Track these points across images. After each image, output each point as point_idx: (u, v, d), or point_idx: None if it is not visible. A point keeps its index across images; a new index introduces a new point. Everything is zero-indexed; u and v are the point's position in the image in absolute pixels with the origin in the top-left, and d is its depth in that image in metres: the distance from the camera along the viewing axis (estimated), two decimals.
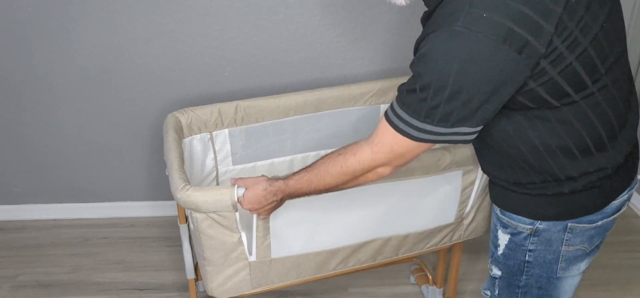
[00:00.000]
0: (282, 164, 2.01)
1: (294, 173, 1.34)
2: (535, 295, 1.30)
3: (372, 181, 1.24)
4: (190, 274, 1.80)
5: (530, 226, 1.22)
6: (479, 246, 2.31)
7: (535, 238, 1.23)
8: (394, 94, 2.00)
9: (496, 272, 1.34)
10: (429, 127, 1.06)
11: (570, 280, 1.29)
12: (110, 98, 2.28)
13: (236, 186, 1.40)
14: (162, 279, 2.23)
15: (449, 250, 1.87)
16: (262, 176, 1.40)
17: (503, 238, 1.28)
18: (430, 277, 2.06)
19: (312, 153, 2.02)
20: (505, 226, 1.27)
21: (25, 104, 2.30)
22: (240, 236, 1.49)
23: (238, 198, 1.40)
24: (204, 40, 2.15)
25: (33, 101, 2.29)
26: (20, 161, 2.45)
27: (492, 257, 1.35)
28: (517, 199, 1.22)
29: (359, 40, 2.17)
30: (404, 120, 1.09)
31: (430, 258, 2.23)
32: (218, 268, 1.53)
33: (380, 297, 2.12)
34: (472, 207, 1.71)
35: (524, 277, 1.28)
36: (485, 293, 1.45)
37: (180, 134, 1.76)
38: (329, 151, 2.00)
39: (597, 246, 1.27)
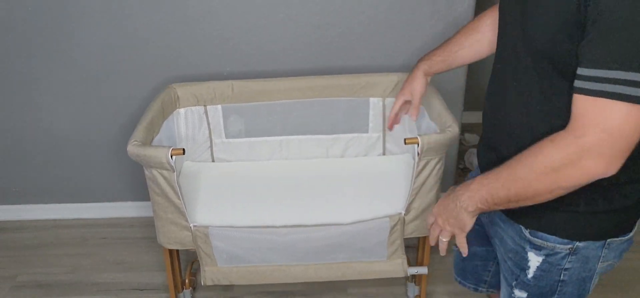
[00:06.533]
0: (273, 142, 2.11)
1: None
2: None
3: (578, 181, 0.95)
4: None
5: (569, 246, 1.13)
6: None
7: (573, 257, 1.14)
8: (383, 88, 2.01)
9: (520, 294, 1.25)
10: None
11: (592, 285, 1.25)
12: (109, 98, 2.28)
13: (170, 148, 1.52)
14: (161, 279, 2.22)
15: None
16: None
17: (535, 261, 1.18)
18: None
19: (303, 137, 2.12)
20: (538, 249, 1.16)
21: (25, 104, 2.30)
22: (181, 204, 1.66)
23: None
24: (203, 40, 2.15)
25: (32, 100, 2.29)
26: (19, 161, 2.45)
27: (516, 280, 1.24)
28: (554, 218, 1.11)
29: (360, 40, 2.17)
30: (615, 80, 0.85)
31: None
32: (163, 222, 1.73)
33: (380, 297, 2.12)
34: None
35: (555, 296, 1.21)
36: None
37: (173, 105, 1.96)
38: (319, 137, 2.12)
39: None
